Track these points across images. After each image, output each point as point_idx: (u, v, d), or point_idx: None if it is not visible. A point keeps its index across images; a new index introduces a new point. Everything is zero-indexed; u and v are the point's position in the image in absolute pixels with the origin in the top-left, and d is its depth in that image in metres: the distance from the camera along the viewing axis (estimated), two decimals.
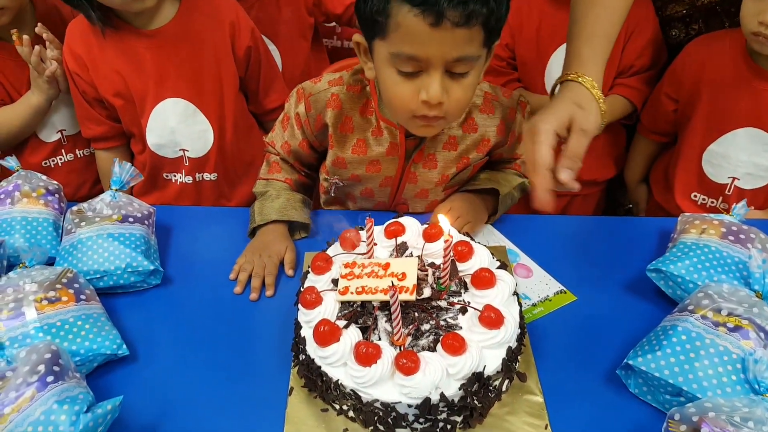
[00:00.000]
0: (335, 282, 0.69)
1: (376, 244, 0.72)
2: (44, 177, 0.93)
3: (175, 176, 1.12)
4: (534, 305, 0.77)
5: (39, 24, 1.03)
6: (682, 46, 1.02)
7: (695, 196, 1.03)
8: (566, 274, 0.81)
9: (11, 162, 0.92)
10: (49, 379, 0.59)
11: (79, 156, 1.18)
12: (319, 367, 0.61)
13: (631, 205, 1.22)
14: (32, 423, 0.56)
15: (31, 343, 0.65)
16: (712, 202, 1.02)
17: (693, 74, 0.99)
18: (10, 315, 0.68)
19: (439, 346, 0.60)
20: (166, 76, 1.03)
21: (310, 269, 0.72)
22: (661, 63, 1.08)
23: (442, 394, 0.58)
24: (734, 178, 0.98)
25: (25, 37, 1.01)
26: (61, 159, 1.16)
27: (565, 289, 0.79)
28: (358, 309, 0.66)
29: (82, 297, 0.72)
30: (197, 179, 1.13)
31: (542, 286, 0.80)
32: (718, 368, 0.60)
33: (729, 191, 0.99)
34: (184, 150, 1.09)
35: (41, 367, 0.59)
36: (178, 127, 1.06)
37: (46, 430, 0.55)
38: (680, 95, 1.02)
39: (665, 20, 1.09)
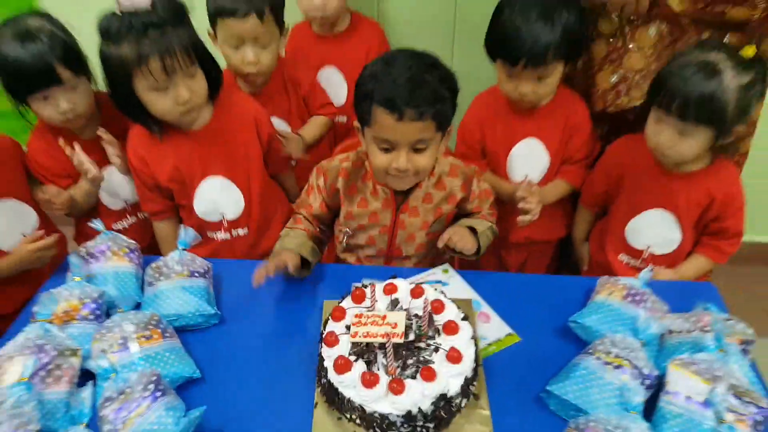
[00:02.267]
0: (348, 327, 0.98)
1: (377, 300, 1.02)
2: (125, 237, 1.22)
3: (216, 234, 1.41)
4: (489, 344, 1.06)
5: (100, 128, 1.32)
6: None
7: (622, 257, 1.33)
8: (515, 320, 1.10)
9: (98, 225, 1.21)
10: (158, 394, 0.88)
11: (140, 218, 1.49)
12: (337, 388, 0.91)
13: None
14: (150, 424, 0.84)
15: (136, 369, 0.94)
16: (635, 262, 1.32)
17: (618, 166, 1.30)
18: (119, 349, 0.96)
19: (418, 376, 0.89)
20: (208, 162, 1.33)
21: (330, 317, 1.01)
22: (595, 154, 1.39)
23: (419, 409, 0.87)
24: (649, 246, 1.28)
25: (75, 146, 1.30)
26: (126, 222, 1.47)
27: (513, 332, 1.08)
28: (364, 347, 0.95)
29: (167, 334, 1.01)
30: (233, 235, 1.42)
31: (497, 329, 1.09)
32: (605, 394, 0.89)
33: (645, 255, 1.29)
34: (223, 214, 1.39)
35: (151, 386, 0.88)
36: (218, 198, 1.36)
37: (160, 429, 0.84)
38: (608, 182, 1.33)
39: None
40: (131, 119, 1.28)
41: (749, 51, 1.11)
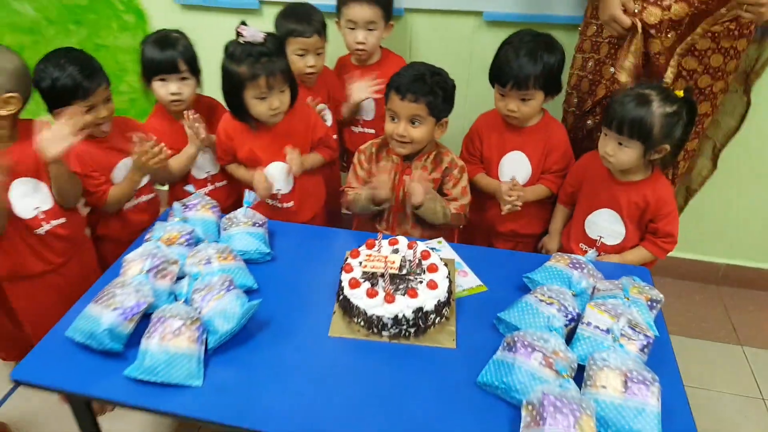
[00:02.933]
0: (360, 263, 1.39)
1: (383, 247, 1.42)
2: (209, 197, 1.68)
3: (271, 202, 1.86)
4: (463, 290, 1.45)
5: (192, 112, 1.78)
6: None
7: (581, 245, 1.70)
8: (485, 277, 1.48)
9: (191, 188, 1.69)
10: (230, 288, 1.30)
11: (218, 186, 1.96)
12: (349, 299, 1.31)
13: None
14: (223, 305, 1.26)
15: (216, 275, 1.37)
16: (588, 249, 1.68)
17: (581, 174, 1.68)
18: (205, 262, 1.40)
19: (405, 294, 1.29)
20: (276, 149, 1.78)
21: (349, 255, 1.42)
22: (569, 165, 1.77)
23: (404, 315, 1.27)
24: (601, 237, 1.65)
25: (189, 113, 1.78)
26: (209, 188, 1.94)
27: (482, 284, 1.47)
28: (370, 275, 1.35)
29: (237, 258, 1.45)
30: (282, 207, 1.86)
31: (470, 281, 1.48)
32: (537, 320, 1.25)
33: (598, 244, 1.65)
34: (279, 190, 1.83)
35: (226, 284, 1.31)
36: (278, 177, 1.81)
37: (232, 308, 1.26)
38: (575, 185, 1.71)
39: None
40: (235, 115, 1.74)
41: (679, 92, 1.49)
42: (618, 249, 1.65)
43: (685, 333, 2.16)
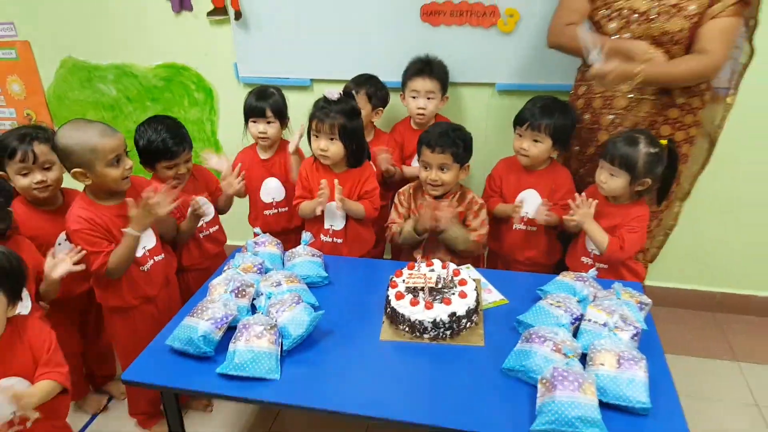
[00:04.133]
0: (404, 280, 1.70)
1: (421, 268, 1.74)
2: (273, 238, 2.03)
3: (324, 238, 2.19)
4: (488, 303, 1.74)
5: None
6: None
7: (582, 259, 2.00)
8: (506, 293, 1.78)
9: (258, 231, 2.05)
10: (299, 302, 1.63)
11: (279, 211, 2.38)
12: (395, 308, 1.62)
13: None
14: (294, 315, 1.58)
15: (286, 293, 1.70)
16: (587, 259, 1.98)
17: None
18: (276, 285, 1.73)
19: (441, 302, 1.59)
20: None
21: (394, 275, 1.74)
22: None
23: (441, 319, 1.57)
24: (593, 249, 1.97)
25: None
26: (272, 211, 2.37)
27: (504, 297, 1.77)
28: (413, 289, 1.67)
29: (301, 282, 1.78)
30: (333, 241, 2.19)
31: (494, 297, 1.78)
32: (548, 319, 1.55)
33: (592, 254, 1.97)
34: (331, 225, 2.17)
35: (295, 299, 1.64)
36: (331, 214, 2.14)
37: (302, 317, 1.58)
38: None
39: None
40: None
41: (663, 141, 1.84)
42: (602, 260, 1.96)
43: (685, 353, 2.39)
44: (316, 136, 2.04)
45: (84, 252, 1.75)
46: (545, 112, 2.00)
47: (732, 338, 2.51)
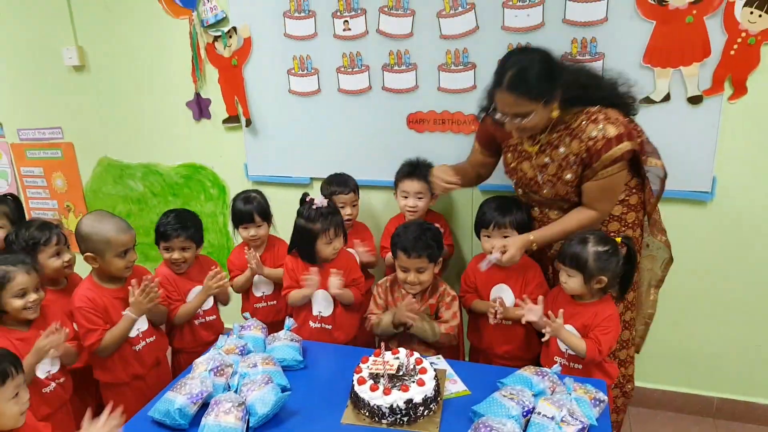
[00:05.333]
0: (368, 366, 1.81)
1: (385, 355, 1.85)
2: (260, 322, 2.18)
3: (313, 324, 2.33)
4: (452, 393, 1.81)
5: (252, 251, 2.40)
6: None
7: (555, 358, 2.03)
8: (470, 384, 1.86)
9: (248, 315, 2.21)
10: (269, 383, 1.75)
11: (269, 305, 2.51)
12: (358, 393, 1.71)
13: None
14: (263, 394, 1.69)
15: (259, 374, 1.82)
16: (562, 361, 2.01)
17: (551, 301, 2.10)
18: (252, 366, 1.86)
19: (399, 389, 1.68)
20: (325, 280, 2.28)
21: (360, 362, 1.85)
22: (545, 292, 2.17)
23: (398, 405, 1.65)
24: (567, 349, 1.99)
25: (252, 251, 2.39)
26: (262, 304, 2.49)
27: (466, 389, 1.84)
28: (374, 375, 1.76)
29: (276, 365, 1.90)
30: (322, 327, 2.32)
31: (458, 386, 1.85)
32: (500, 410, 1.61)
33: (566, 355, 1.99)
34: (320, 312, 2.32)
35: (266, 380, 1.76)
36: (321, 301, 2.30)
37: (269, 397, 1.69)
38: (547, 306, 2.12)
39: None
40: (306, 260, 2.28)
41: (617, 239, 1.95)
42: (578, 360, 1.98)
43: None
44: (330, 244, 2.27)
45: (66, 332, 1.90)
46: (504, 209, 2.17)
47: None
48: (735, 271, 2.43)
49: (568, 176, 2.00)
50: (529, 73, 1.83)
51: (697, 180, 2.34)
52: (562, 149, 1.98)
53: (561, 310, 1.95)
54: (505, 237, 2.17)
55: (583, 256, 1.90)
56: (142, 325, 2.10)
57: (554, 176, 2.04)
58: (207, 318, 2.39)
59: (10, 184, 3.63)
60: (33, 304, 1.85)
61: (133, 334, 2.04)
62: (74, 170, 3.44)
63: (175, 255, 2.28)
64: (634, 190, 2.10)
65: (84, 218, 2.03)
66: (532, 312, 1.96)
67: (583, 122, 1.93)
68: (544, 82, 1.85)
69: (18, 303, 1.83)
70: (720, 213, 2.38)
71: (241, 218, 2.46)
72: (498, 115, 1.95)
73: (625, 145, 1.90)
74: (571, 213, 2.05)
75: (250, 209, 2.44)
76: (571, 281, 1.95)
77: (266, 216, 2.48)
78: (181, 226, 2.27)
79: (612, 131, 1.90)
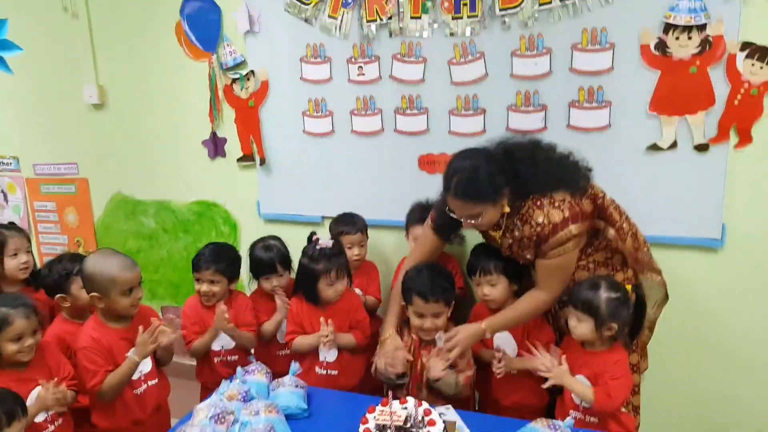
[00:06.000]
0: (375, 416, 1.74)
1: (393, 404, 1.78)
2: (264, 366, 2.13)
3: (319, 370, 2.27)
4: None
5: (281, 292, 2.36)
6: None
7: (570, 412, 1.95)
8: None
9: (253, 359, 2.15)
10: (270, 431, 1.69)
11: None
12: None
13: None
14: None
15: (261, 423, 1.75)
16: (577, 414, 1.93)
17: (564, 348, 2.02)
18: (255, 414, 1.80)
19: None
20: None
21: (368, 411, 1.78)
22: (548, 338, 2.11)
23: None
24: (582, 401, 1.92)
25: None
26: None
27: None
28: (381, 426, 1.69)
29: (279, 412, 1.84)
30: (327, 373, 2.26)
31: None
32: None
33: (581, 408, 1.91)
34: (324, 358, 2.26)
35: (269, 429, 1.69)
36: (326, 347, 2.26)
37: None
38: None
39: None
40: (310, 299, 2.26)
41: (628, 286, 1.90)
42: (593, 413, 1.90)
43: None
44: (332, 285, 2.24)
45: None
46: (489, 255, 2.12)
47: None
48: (748, 317, 2.35)
49: (528, 255, 2.02)
50: (474, 179, 1.88)
51: (705, 227, 2.30)
52: (516, 233, 2.00)
53: (564, 356, 1.91)
54: (492, 285, 2.14)
55: (595, 302, 1.86)
56: (145, 366, 2.05)
57: (518, 255, 2.05)
58: (229, 357, 2.37)
59: (21, 218, 3.66)
60: (27, 349, 1.83)
61: (135, 376, 1.99)
62: (87, 206, 3.46)
63: (204, 287, 2.28)
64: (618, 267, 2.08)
65: (89, 257, 2.01)
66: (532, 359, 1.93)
67: (531, 209, 1.95)
68: (488, 185, 1.88)
69: (12, 348, 1.80)
70: (732, 260, 2.31)
71: (261, 269, 2.40)
72: (453, 215, 2.00)
73: (572, 230, 1.90)
74: (523, 298, 2.07)
75: (272, 258, 2.37)
76: (582, 326, 1.90)
77: (287, 264, 2.43)
78: (213, 259, 2.28)
79: (556, 217, 1.89)
